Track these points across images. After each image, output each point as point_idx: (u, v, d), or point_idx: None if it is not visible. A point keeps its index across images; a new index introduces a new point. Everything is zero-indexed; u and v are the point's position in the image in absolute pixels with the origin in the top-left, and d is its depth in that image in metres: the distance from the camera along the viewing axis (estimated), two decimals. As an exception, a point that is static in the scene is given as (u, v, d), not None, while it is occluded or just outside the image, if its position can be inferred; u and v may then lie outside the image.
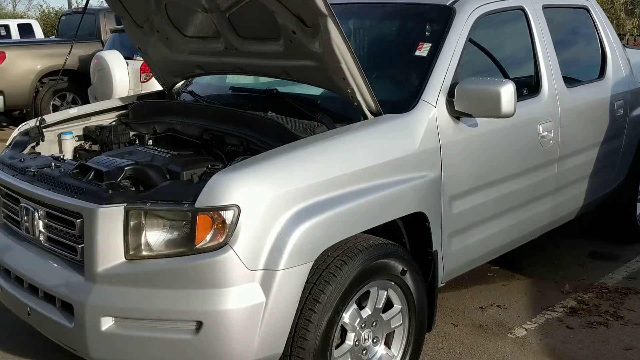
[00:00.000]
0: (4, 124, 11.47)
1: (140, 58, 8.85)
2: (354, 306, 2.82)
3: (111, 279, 2.49)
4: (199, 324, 2.41)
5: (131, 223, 2.48)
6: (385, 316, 2.99)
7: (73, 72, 10.42)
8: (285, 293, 2.49)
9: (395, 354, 3.07)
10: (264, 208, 2.46)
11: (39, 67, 10.34)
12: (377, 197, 2.81)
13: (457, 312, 4.08)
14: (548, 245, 5.05)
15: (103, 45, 10.45)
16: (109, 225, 2.48)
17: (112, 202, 2.50)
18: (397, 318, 3.04)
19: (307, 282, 2.57)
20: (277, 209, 2.49)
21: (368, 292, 2.89)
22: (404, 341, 3.09)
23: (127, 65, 8.91)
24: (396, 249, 2.93)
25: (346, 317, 2.78)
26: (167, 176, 2.70)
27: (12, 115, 11.24)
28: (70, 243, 2.67)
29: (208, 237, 2.43)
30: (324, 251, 2.61)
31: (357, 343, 2.88)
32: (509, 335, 3.80)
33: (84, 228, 2.55)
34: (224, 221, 2.42)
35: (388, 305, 3.00)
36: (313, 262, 2.57)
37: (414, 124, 3.08)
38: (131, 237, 2.48)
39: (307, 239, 2.52)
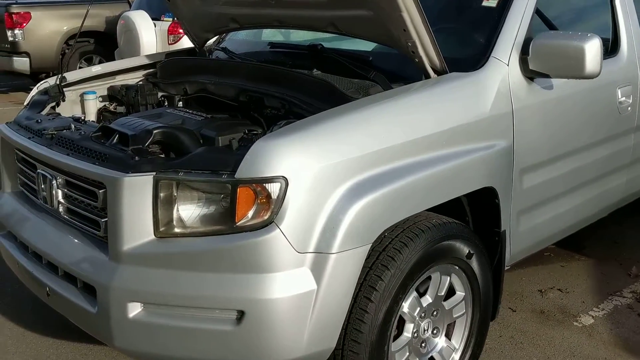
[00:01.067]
0: (31, 87, 11.25)
1: (169, 19, 8.51)
2: (414, 294, 2.46)
3: (139, 259, 2.16)
4: (241, 314, 2.08)
5: (161, 195, 2.13)
6: (447, 304, 2.63)
7: (100, 34, 10.08)
8: (339, 280, 2.13)
9: (457, 346, 2.72)
10: (315, 181, 2.10)
11: (65, 28, 10.00)
12: (443, 169, 2.42)
13: (514, 295, 3.71)
14: (609, 223, 4.61)
15: (130, 6, 10.07)
16: (136, 197, 2.14)
17: (139, 171, 2.16)
18: (459, 307, 2.67)
19: (363, 267, 2.21)
20: (329, 182, 2.12)
21: (429, 278, 2.52)
22: (466, 332, 2.73)
23: (155, 26, 8.53)
24: (462, 230, 2.55)
25: (405, 306, 2.43)
26: (201, 141, 2.34)
27: (39, 78, 10.99)
28: (93, 216, 2.34)
29: (250, 214, 2.07)
30: (382, 232, 2.24)
31: (415, 335, 2.53)
32: (575, 323, 3.42)
33: (107, 200, 2.21)
34: (269, 195, 2.06)
35: (450, 292, 2.63)
36: (371, 245, 2.21)
37: (484, 85, 2.66)
38: (161, 211, 2.14)
39: (364, 217, 2.15)
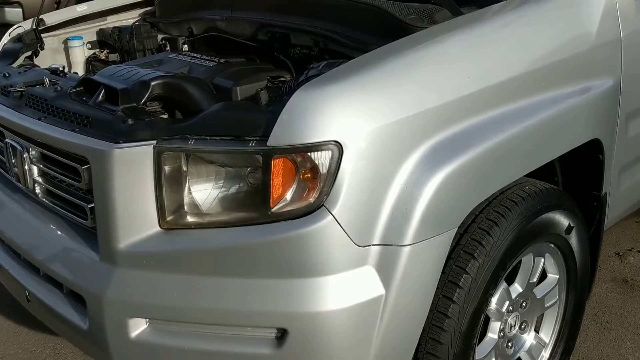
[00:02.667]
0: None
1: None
2: (504, 284, 1.89)
3: (140, 259, 1.59)
4: (282, 333, 1.52)
5: (166, 171, 1.55)
6: (537, 292, 2.06)
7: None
8: (415, 279, 1.56)
9: (547, 341, 2.16)
10: (380, 146, 1.49)
11: (58, -27, 9.26)
12: (543, 120, 1.80)
13: (590, 262, 3.12)
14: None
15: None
16: (131, 175, 1.56)
17: (133, 139, 1.57)
18: (552, 293, 2.10)
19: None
20: (398, 146, 1.52)
21: (518, 263, 1.94)
22: (559, 322, 2.17)
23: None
24: (563, 198, 1.96)
25: (493, 302, 1.86)
26: (215, 94, 1.73)
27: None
28: (77, 201, 1.76)
29: (289, 195, 1.48)
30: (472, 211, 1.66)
31: (502, 334, 1.97)
32: (668, 295, 2.85)
33: (92, 179, 1.63)
34: (315, 169, 1.46)
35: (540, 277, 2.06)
36: (457, 229, 1.62)
37: (585, 4, 2.01)
38: (167, 194, 1.56)
39: (449, 193, 1.56)
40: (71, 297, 1.76)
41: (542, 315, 2.14)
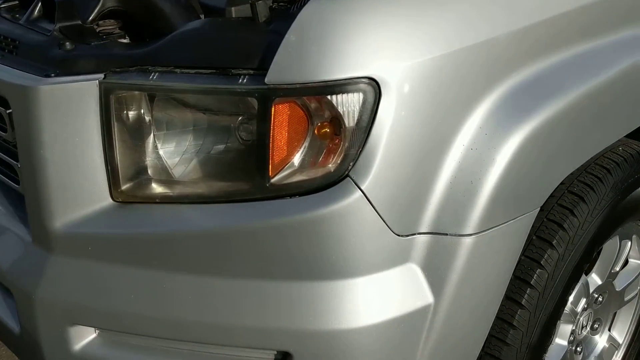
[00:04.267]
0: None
1: None
2: (583, 278, 1.41)
3: (84, 244, 1.11)
4: (284, 356, 1.05)
5: (118, 118, 1.06)
6: (618, 283, 1.59)
7: None
8: (479, 282, 1.08)
9: (620, 342, 1.70)
10: (433, 89, 0.99)
11: None
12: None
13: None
14: None
15: None
16: (68, 123, 1.07)
17: (70, 71, 1.07)
18: (634, 284, 1.63)
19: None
20: (460, 90, 1.02)
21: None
22: (636, 319, 1.71)
23: None
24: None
25: (569, 301, 1.39)
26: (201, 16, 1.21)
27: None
28: (6, 157, 1.27)
29: (298, 159, 0.99)
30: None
31: (572, 339, 1.51)
32: None
33: (15, 127, 1.14)
34: (337, 120, 0.97)
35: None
36: (539, 210, 1.14)
37: None
38: (122, 152, 1.08)
39: (533, 159, 1.06)
40: (1, 288, 1.30)
41: (617, 312, 1.68)
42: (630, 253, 1.61)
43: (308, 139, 0.99)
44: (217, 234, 1.02)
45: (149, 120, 1.08)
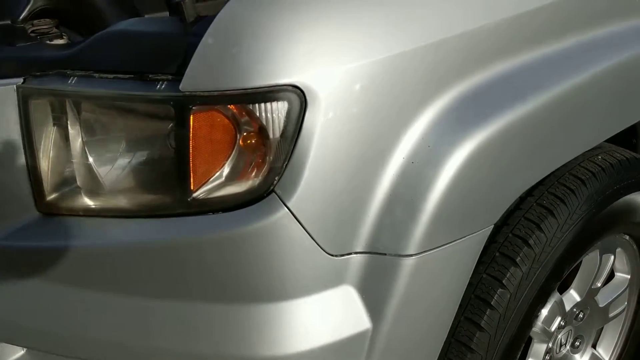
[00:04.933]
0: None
1: None
2: (556, 296, 1.32)
3: (9, 258, 1.05)
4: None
5: (39, 123, 1.00)
6: (601, 298, 1.48)
7: None
8: (423, 305, 0.99)
9: (607, 358, 1.60)
10: (370, 96, 0.90)
11: None
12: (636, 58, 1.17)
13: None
14: None
15: None
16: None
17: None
18: (621, 298, 1.53)
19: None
20: (401, 97, 0.93)
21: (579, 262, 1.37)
22: (624, 335, 1.61)
23: None
24: (650, 171, 1.35)
25: (540, 320, 1.30)
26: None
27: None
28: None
29: (223, 171, 0.92)
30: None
31: (548, 358, 1.41)
32: None
33: None
34: (262, 131, 0.89)
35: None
36: (493, 227, 1.04)
37: None
38: (45, 159, 1.01)
39: (485, 172, 0.97)
40: None
41: (602, 327, 1.58)
42: (617, 266, 1.51)
43: (235, 151, 0.91)
44: (135, 250, 0.96)
45: (77, 127, 1.02)
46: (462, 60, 0.96)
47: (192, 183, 0.92)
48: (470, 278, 1.12)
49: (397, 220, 0.94)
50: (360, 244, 0.95)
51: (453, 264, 1.00)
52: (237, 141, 0.91)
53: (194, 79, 0.87)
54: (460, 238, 0.98)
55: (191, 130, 0.89)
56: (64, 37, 1.16)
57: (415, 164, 0.93)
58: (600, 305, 1.49)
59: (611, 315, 1.53)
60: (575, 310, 1.42)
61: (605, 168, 1.24)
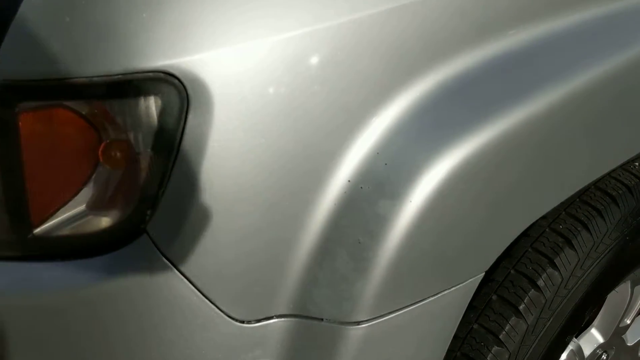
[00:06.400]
0: None
1: None
2: (572, 344, 1.01)
3: None
4: None
5: None
6: (630, 337, 1.17)
7: None
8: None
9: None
10: (296, 95, 0.59)
11: None
12: None
13: None
14: None
15: None
16: None
17: None
18: (653, 333, 1.22)
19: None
20: (343, 94, 0.61)
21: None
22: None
23: None
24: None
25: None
26: None
27: None
28: None
29: (82, 198, 0.61)
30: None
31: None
32: None
33: None
34: (124, 142, 0.58)
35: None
36: (482, 276, 0.73)
37: None
38: None
39: (463, 211, 0.66)
40: None
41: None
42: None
43: (93, 169, 0.61)
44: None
45: None
46: (441, 37, 0.64)
47: (32, 215, 0.62)
48: (459, 330, 0.83)
49: (338, 272, 0.63)
50: (284, 304, 0.64)
51: (423, 331, 0.70)
52: (97, 154, 0.60)
53: (17, 61, 0.56)
54: (434, 295, 0.68)
55: (21, 136, 0.58)
56: None
57: (365, 190, 0.62)
58: (629, 344, 1.18)
59: (641, 353, 1.23)
60: (599, 351, 1.12)
61: (634, 185, 0.92)
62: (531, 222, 0.74)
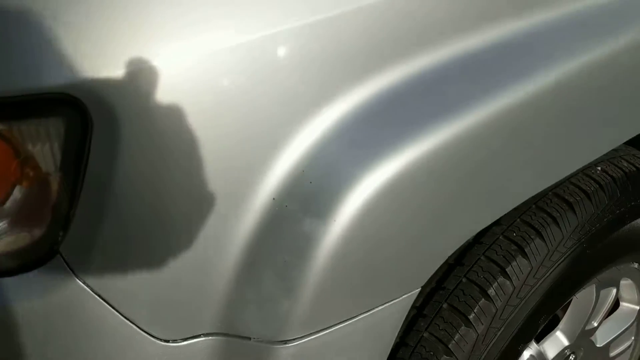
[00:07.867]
0: None
1: None
2: (532, 348, 1.00)
3: None
4: None
5: None
6: (599, 337, 1.15)
7: None
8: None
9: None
10: (216, 110, 0.56)
11: None
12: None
13: None
14: None
15: None
16: None
17: None
18: (627, 334, 1.20)
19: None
20: (272, 107, 0.59)
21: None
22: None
23: None
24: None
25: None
26: None
27: None
28: None
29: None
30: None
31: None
32: None
33: None
34: (33, 164, 0.56)
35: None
36: (418, 291, 0.71)
37: None
38: None
39: (394, 227, 0.63)
40: None
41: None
42: (623, 295, 1.17)
43: (13, 189, 0.59)
44: None
45: None
46: (378, 42, 0.62)
47: None
48: (407, 337, 0.81)
49: (264, 292, 0.61)
50: (211, 322, 0.63)
51: (357, 347, 0.68)
52: (10, 173, 0.58)
53: None
54: (366, 312, 0.66)
55: None
56: None
57: (290, 208, 0.60)
58: (599, 345, 1.16)
59: (612, 355, 1.21)
60: (566, 351, 1.10)
61: (607, 183, 0.90)
62: (467, 239, 0.72)
